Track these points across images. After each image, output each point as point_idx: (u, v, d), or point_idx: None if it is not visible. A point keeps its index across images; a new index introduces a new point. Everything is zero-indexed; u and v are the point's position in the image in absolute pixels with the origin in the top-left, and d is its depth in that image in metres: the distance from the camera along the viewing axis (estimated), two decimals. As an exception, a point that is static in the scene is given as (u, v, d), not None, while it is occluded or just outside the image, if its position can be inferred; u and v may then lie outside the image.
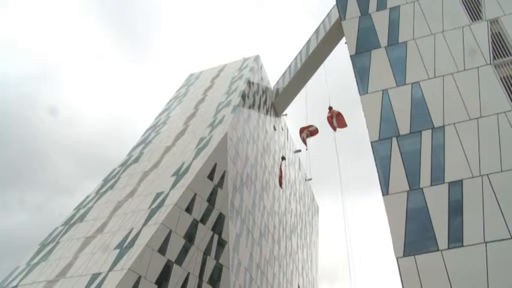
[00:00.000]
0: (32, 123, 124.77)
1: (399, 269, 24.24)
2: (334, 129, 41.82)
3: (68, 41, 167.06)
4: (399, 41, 36.26)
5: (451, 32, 34.61)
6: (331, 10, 57.31)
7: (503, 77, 29.98)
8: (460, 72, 31.70)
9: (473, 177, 26.01)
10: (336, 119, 41.46)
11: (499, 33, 32.77)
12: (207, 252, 41.36)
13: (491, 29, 33.11)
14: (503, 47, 31.78)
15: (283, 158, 49.22)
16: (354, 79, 35.96)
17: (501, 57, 31.24)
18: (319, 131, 45.27)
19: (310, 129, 44.92)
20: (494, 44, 32.13)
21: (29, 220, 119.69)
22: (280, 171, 49.59)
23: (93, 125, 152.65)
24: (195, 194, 41.66)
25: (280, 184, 51.23)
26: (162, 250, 36.51)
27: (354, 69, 36.81)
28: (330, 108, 42.44)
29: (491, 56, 31.33)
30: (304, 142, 45.40)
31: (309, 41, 62.45)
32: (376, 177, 28.87)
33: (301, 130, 45.18)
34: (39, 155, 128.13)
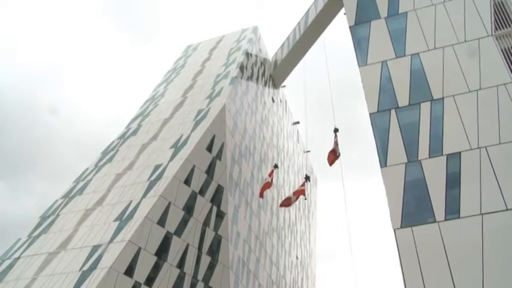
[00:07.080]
0: (38, 115, 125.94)
1: (396, 240, 24.46)
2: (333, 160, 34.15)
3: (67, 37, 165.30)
4: (399, 12, 35.71)
5: (452, 2, 34.06)
6: (330, -20, 56.23)
7: (504, 49, 29.66)
8: (461, 44, 31.36)
9: (471, 149, 26.00)
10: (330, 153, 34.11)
11: (501, 3, 32.25)
12: (206, 224, 41.72)
13: (493, -1, 32.58)
14: (505, 17, 31.33)
15: (275, 166, 41.07)
16: (353, 51, 35.61)
17: (503, 28, 30.84)
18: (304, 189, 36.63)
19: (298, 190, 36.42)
20: (496, 15, 31.65)
21: (34, 205, 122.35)
22: (271, 180, 39.13)
23: (96, 114, 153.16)
24: (194, 166, 41.76)
25: (261, 194, 40.22)
26: (162, 222, 36.82)
27: (353, 40, 36.37)
28: (336, 130, 35.18)
29: (493, 27, 30.92)
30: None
31: (307, 12, 61.58)
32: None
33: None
34: (45, 146, 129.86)
